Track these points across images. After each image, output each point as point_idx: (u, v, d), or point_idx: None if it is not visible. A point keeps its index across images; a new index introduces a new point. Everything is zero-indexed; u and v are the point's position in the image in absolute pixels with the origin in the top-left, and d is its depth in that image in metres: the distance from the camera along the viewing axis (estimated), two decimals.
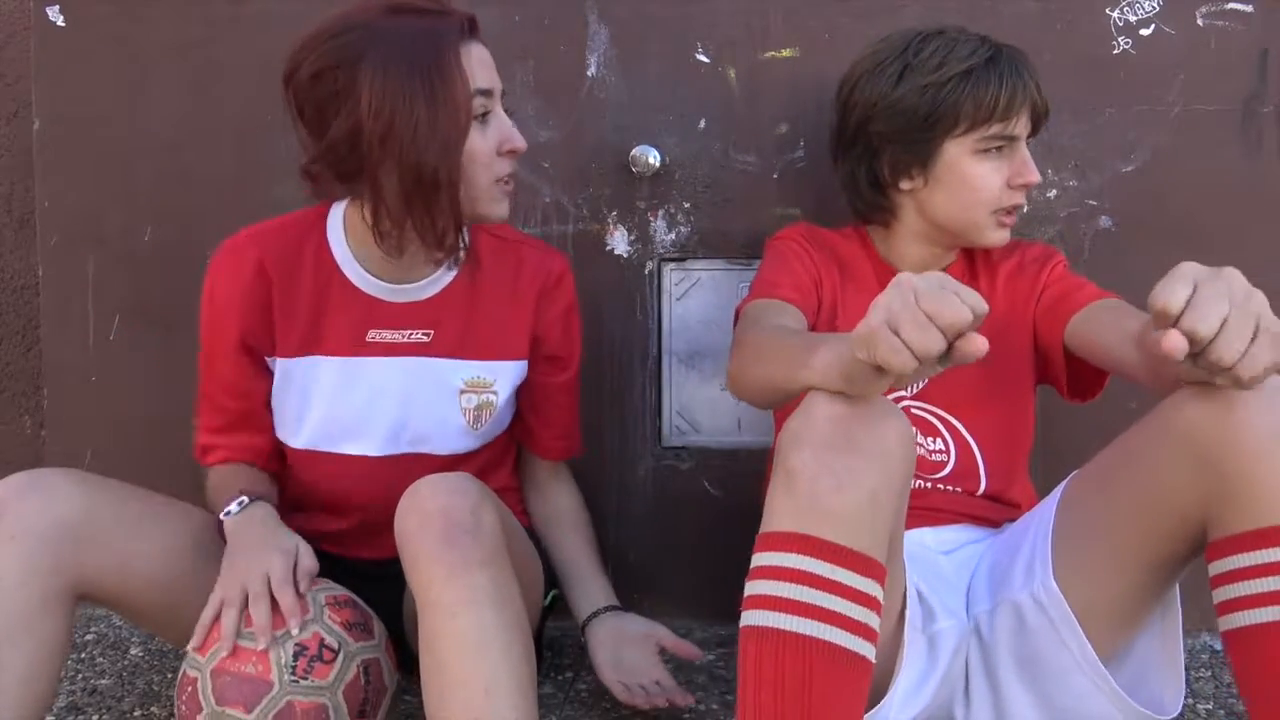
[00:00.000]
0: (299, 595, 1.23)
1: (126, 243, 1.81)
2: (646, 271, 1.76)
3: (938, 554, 1.38)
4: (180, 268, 1.75)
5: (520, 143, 1.33)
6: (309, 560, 1.27)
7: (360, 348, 1.41)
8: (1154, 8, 1.68)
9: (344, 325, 1.41)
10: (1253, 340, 0.93)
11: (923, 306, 0.91)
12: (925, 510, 1.39)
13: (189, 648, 1.23)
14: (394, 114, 1.23)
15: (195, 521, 1.35)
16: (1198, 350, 0.93)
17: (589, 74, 1.74)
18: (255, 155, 1.76)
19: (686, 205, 1.74)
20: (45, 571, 1.19)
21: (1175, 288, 0.93)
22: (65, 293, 1.82)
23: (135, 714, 1.51)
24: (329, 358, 1.41)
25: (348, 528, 1.47)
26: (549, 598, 1.51)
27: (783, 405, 1.09)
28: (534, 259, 1.48)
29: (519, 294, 1.46)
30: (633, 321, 1.77)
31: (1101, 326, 1.31)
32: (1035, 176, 1.40)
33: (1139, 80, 1.69)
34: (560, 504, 1.59)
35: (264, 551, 1.25)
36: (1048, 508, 1.26)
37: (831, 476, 1.01)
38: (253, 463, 1.47)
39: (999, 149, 1.39)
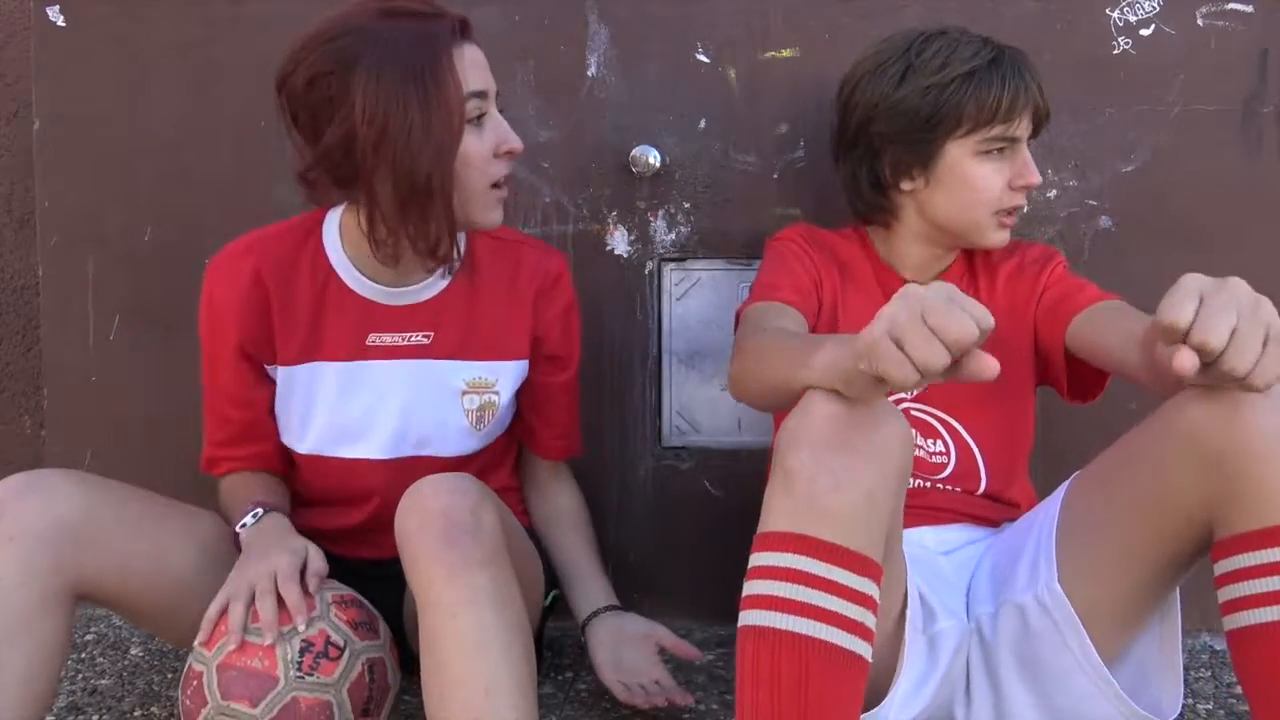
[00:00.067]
0: (306, 593, 1.23)
1: (126, 243, 1.80)
2: (646, 271, 1.76)
3: (937, 554, 1.38)
4: (180, 268, 1.75)
5: (517, 144, 1.33)
6: (319, 562, 1.27)
7: (361, 352, 1.41)
8: (1154, 8, 1.68)
9: (344, 330, 1.41)
10: (1263, 348, 0.93)
11: (928, 321, 0.90)
12: (925, 509, 1.39)
13: (195, 643, 1.23)
14: (388, 119, 1.23)
15: (201, 524, 1.35)
16: (1209, 362, 0.93)
17: (589, 74, 1.74)
18: (255, 155, 1.76)
19: (686, 205, 1.74)
20: (45, 572, 1.19)
21: (1182, 302, 0.92)
22: (65, 293, 1.82)
23: (135, 714, 1.51)
24: (330, 363, 1.41)
25: (351, 528, 1.47)
26: (549, 598, 1.51)
27: (785, 407, 1.09)
28: (532, 259, 1.48)
29: (517, 294, 1.46)
30: (633, 321, 1.77)
31: (1103, 328, 1.31)
32: (1036, 178, 1.40)
33: (1139, 80, 1.69)
34: (560, 504, 1.59)
35: (272, 552, 1.26)
36: (1050, 509, 1.26)
37: (830, 476, 1.01)
38: (260, 469, 1.47)
39: (1000, 150, 1.39)
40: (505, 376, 1.46)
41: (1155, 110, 1.69)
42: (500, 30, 1.71)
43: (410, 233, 1.29)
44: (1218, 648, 1.69)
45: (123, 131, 1.79)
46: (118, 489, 1.29)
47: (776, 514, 1.03)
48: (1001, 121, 1.37)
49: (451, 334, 1.43)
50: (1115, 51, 1.69)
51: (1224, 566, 1.06)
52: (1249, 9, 1.67)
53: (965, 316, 0.90)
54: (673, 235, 1.75)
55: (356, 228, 1.33)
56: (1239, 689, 1.27)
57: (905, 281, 1.48)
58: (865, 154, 1.45)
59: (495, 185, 1.33)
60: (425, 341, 1.42)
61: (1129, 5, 1.68)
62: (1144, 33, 1.68)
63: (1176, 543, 1.13)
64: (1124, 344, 1.23)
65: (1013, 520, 1.41)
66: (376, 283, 1.40)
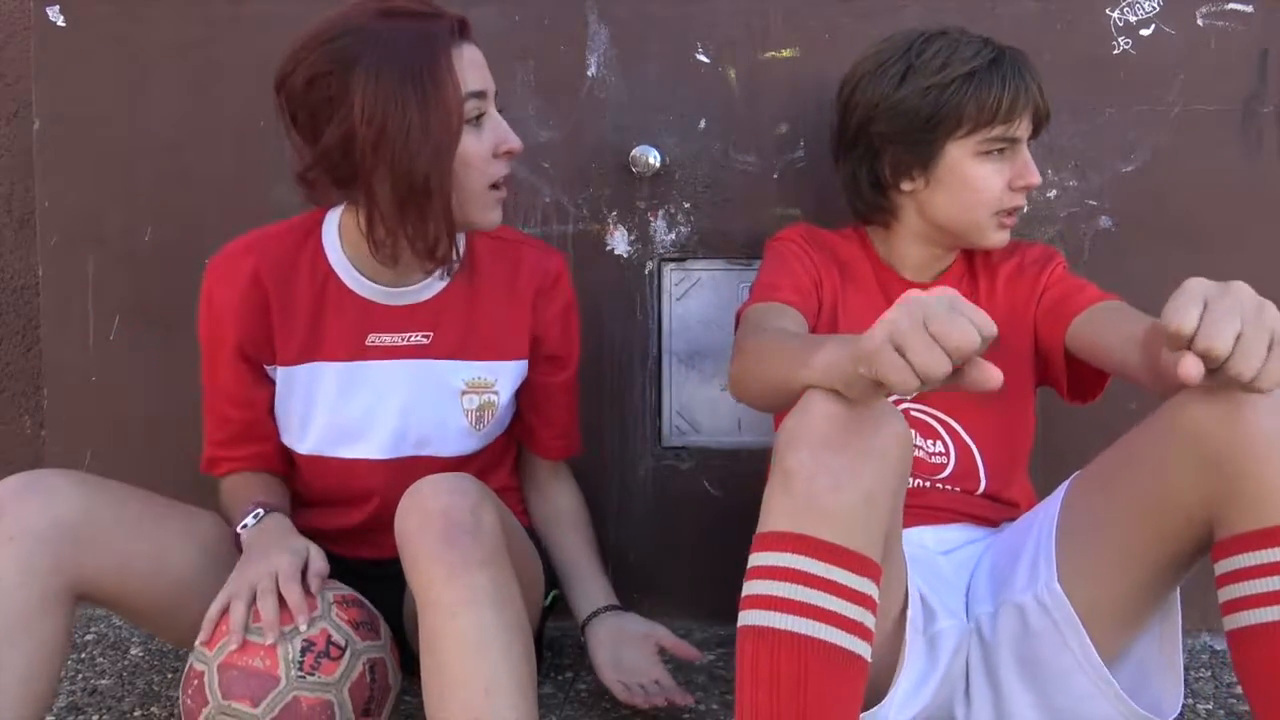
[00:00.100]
0: (307, 593, 1.23)
1: (126, 243, 1.80)
2: (646, 271, 1.76)
3: (937, 554, 1.38)
4: (180, 268, 1.75)
5: (516, 143, 1.33)
6: (320, 562, 1.27)
7: (361, 352, 1.41)
8: (1154, 8, 1.68)
9: (343, 330, 1.41)
10: (1268, 353, 0.92)
11: (930, 328, 0.89)
12: (924, 509, 1.39)
13: (196, 642, 1.23)
14: (386, 119, 1.22)
15: (201, 524, 1.35)
16: (1214, 367, 0.93)
17: (589, 74, 1.74)
18: (255, 155, 1.76)
19: (686, 205, 1.74)
20: (44, 572, 1.19)
21: (1186, 308, 0.93)
22: (65, 293, 1.82)
23: (135, 714, 1.51)
24: (330, 363, 1.41)
25: (351, 528, 1.47)
26: (549, 598, 1.51)
27: (785, 408, 1.09)
28: (531, 258, 1.48)
29: (517, 294, 1.46)
30: (633, 321, 1.77)
31: (1104, 329, 1.31)
32: (1036, 178, 1.40)
33: (1139, 80, 1.69)
34: (560, 504, 1.59)
35: (274, 552, 1.26)
36: (1050, 509, 1.26)
37: (829, 476, 1.01)
38: (261, 469, 1.47)
39: (1000, 151, 1.39)
40: (505, 376, 1.46)
41: (1155, 110, 1.69)
42: (500, 30, 1.71)
43: (409, 233, 1.29)
44: (1218, 648, 1.69)
45: (123, 131, 1.79)
46: (118, 489, 1.29)
47: (776, 514, 1.03)
48: (1002, 122, 1.37)
49: (451, 334, 1.43)
50: (1115, 51, 1.69)
51: (1224, 566, 1.06)
52: (1249, 9, 1.67)
53: (967, 324, 0.89)
54: (673, 235, 1.75)
55: (356, 228, 1.33)
56: (1239, 689, 1.27)
57: (905, 281, 1.48)
58: (865, 154, 1.45)
59: (494, 186, 1.33)
60: (425, 341, 1.42)
61: (1129, 5, 1.68)
62: (1144, 33, 1.68)
63: (1177, 543, 1.13)
64: (1124, 344, 1.23)
65: (1012, 520, 1.41)
66: (376, 283, 1.40)
